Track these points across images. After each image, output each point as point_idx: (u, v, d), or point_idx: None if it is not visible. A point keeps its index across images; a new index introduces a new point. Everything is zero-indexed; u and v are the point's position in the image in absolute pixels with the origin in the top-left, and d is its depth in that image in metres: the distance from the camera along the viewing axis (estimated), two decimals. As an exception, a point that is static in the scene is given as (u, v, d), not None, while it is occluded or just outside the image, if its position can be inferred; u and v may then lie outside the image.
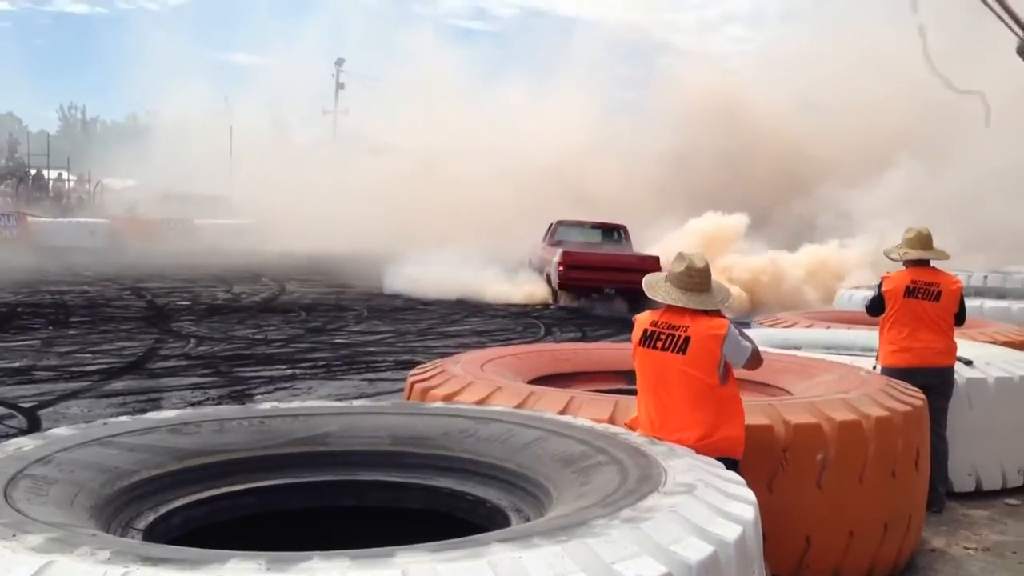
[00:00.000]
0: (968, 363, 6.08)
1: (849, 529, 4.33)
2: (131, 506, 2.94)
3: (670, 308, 3.94)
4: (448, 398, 4.50)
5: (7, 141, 54.03)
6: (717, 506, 2.65)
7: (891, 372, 5.62)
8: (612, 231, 21.10)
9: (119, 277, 21.33)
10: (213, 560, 2.16)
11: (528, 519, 2.95)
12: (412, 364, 7.96)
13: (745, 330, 4.39)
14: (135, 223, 37.37)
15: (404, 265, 20.41)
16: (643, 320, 4.02)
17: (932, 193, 19.99)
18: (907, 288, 5.86)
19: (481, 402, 4.34)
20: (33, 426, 7.22)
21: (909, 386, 5.02)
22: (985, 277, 12.75)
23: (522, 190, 28.16)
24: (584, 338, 13.78)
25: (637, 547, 2.31)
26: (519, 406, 4.19)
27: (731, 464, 3.54)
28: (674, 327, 3.88)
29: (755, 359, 3.95)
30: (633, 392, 4.15)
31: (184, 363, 10.35)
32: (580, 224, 21.26)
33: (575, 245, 19.65)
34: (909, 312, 5.83)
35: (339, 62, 57.45)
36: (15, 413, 7.65)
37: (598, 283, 18.15)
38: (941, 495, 5.64)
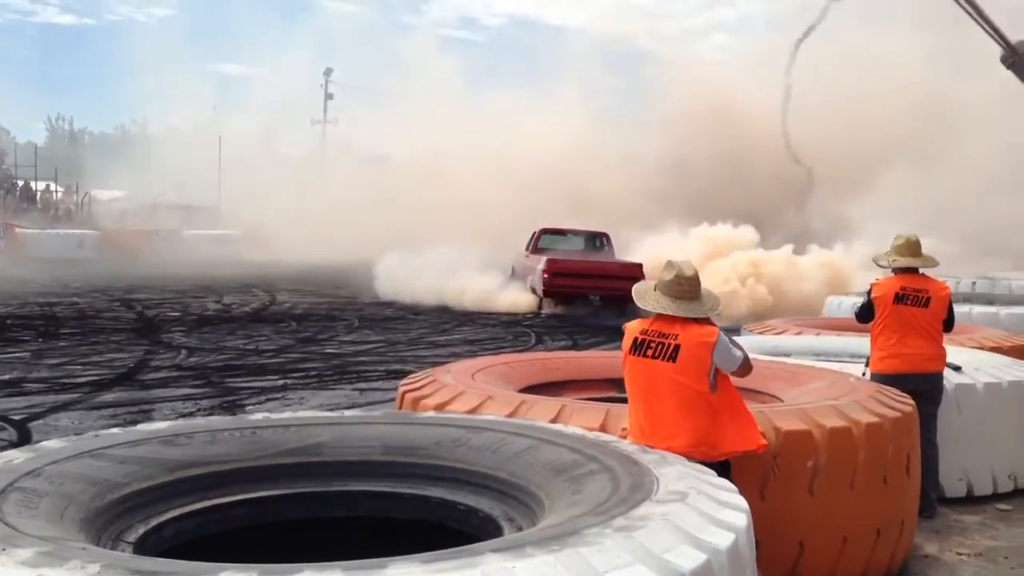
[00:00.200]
0: (957, 369, 6.10)
1: (842, 535, 4.34)
2: (122, 519, 2.92)
3: (660, 316, 3.95)
4: (439, 407, 4.49)
5: (-6, 153, 53.90)
6: (709, 514, 2.66)
7: (881, 378, 5.64)
8: (595, 239, 21.45)
9: (108, 288, 21.26)
10: (205, 572, 2.15)
11: (520, 528, 2.95)
12: (403, 374, 7.95)
13: (735, 337, 4.40)
14: (124, 234, 37.29)
15: (393, 271, 20.53)
16: (633, 328, 4.03)
17: (932, 196, 20.07)
18: (896, 295, 5.89)
19: (473, 411, 4.34)
20: (23, 439, 7.18)
21: (899, 392, 5.04)
22: (973, 283, 12.82)
23: (515, 198, 28.22)
24: (575, 346, 13.80)
25: (630, 556, 2.31)
26: (511, 415, 4.19)
27: (723, 469, 3.55)
28: (664, 335, 3.89)
29: (745, 366, 3.96)
30: (624, 400, 4.16)
31: (175, 374, 10.32)
32: (563, 232, 21.66)
33: (559, 253, 19.99)
34: (898, 318, 5.86)
35: (327, 72, 57.54)
36: (5, 426, 7.61)
37: (582, 290, 18.47)
38: (933, 501, 5.66)
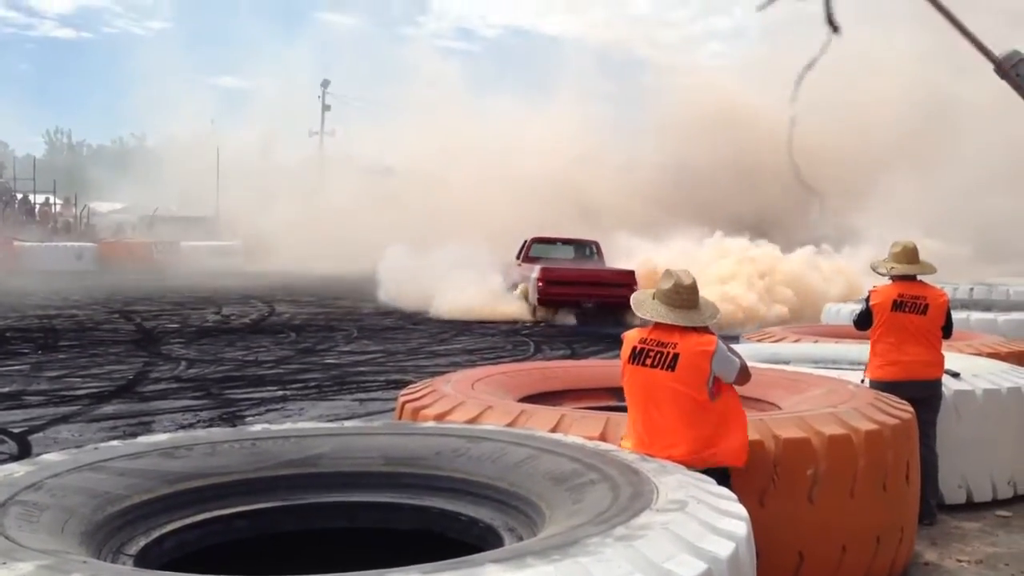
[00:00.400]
0: (955, 375, 6.11)
1: (842, 543, 4.34)
2: (122, 531, 2.92)
3: (659, 325, 3.95)
4: (439, 417, 4.49)
5: (-7, 166, 53.85)
6: (709, 523, 2.66)
7: (879, 385, 5.65)
8: (585, 247, 21.83)
9: (107, 300, 21.25)
10: (206, 584, 2.15)
11: (521, 538, 2.95)
12: (403, 384, 7.94)
13: (734, 345, 4.41)
14: (122, 246, 37.30)
15: (394, 273, 20.64)
16: (632, 337, 4.04)
17: (939, 198, 20.07)
18: (894, 302, 5.90)
19: (472, 421, 4.34)
20: (23, 452, 7.17)
21: (897, 399, 5.04)
22: (971, 289, 12.85)
23: (515, 206, 28.26)
24: (574, 355, 13.79)
25: (630, 565, 2.32)
26: (510, 424, 4.19)
27: (723, 477, 3.56)
28: (663, 344, 3.90)
29: (744, 374, 3.97)
30: (624, 409, 4.16)
31: (174, 386, 10.31)
32: (554, 241, 22.00)
33: (552, 261, 20.28)
34: (896, 326, 5.87)
35: (325, 84, 57.57)
36: (5, 439, 7.60)
37: (577, 297, 18.66)
38: (932, 507, 5.66)
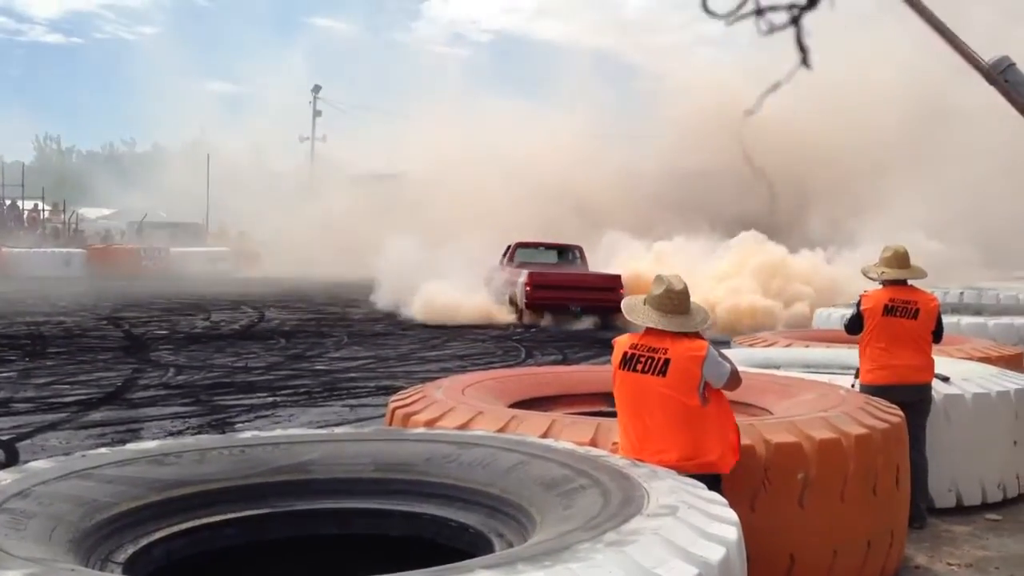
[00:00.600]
0: (945, 380, 6.13)
1: (832, 547, 4.34)
2: (111, 539, 2.90)
3: (650, 330, 3.95)
4: (430, 423, 4.49)
5: (-19, 172, 53.58)
6: (700, 528, 2.66)
7: (870, 390, 5.66)
8: (568, 251, 22.06)
9: (96, 307, 21.17)
10: (195, 592, 2.14)
11: (511, 544, 2.94)
12: (393, 389, 7.94)
13: (724, 350, 4.41)
14: (111, 252, 37.19)
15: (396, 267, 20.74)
16: (623, 343, 4.04)
17: (942, 199, 20.12)
18: (885, 307, 5.92)
19: (463, 427, 4.33)
20: (11, 459, 7.14)
21: (887, 403, 5.05)
22: (961, 294, 12.90)
23: (509, 209, 28.29)
24: (565, 361, 13.79)
25: (621, 571, 2.31)
26: (501, 430, 4.18)
27: (714, 482, 3.55)
28: (654, 349, 3.89)
29: (734, 380, 3.97)
30: (615, 414, 4.16)
31: (163, 393, 10.27)
32: (537, 245, 22.26)
33: (539, 266, 20.43)
34: (887, 330, 5.89)
35: (315, 89, 57.57)
36: (-8, 446, 7.57)
37: (563, 301, 18.85)
38: (923, 511, 5.67)
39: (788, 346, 8.44)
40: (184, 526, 3.12)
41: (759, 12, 1.42)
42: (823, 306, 12.95)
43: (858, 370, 6.06)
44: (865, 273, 6.25)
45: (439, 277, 19.71)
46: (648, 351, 3.91)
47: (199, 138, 62.11)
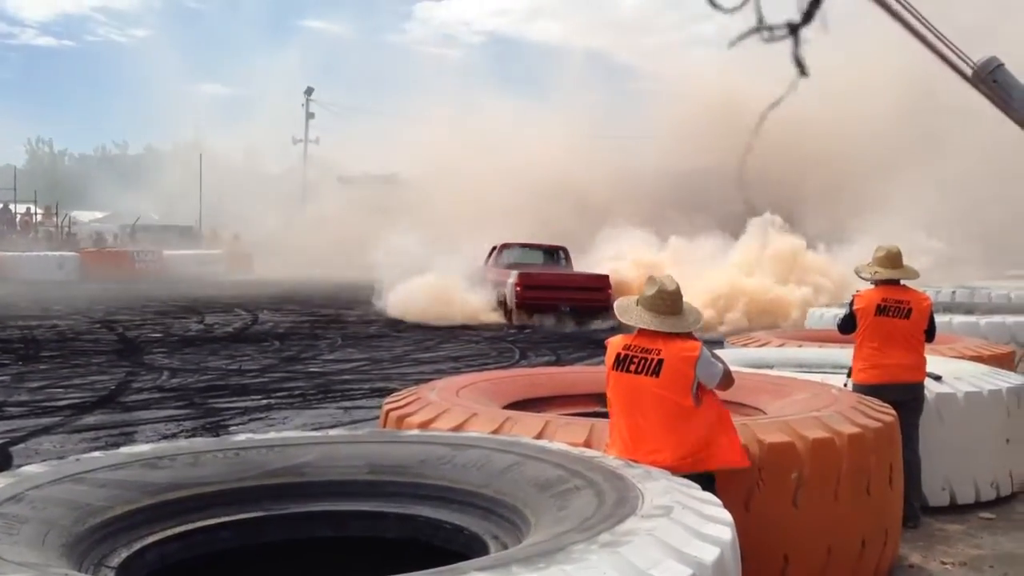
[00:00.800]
0: (937, 378, 6.14)
1: (827, 546, 4.35)
2: (104, 543, 2.90)
3: (643, 331, 3.96)
4: (424, 425, 4.48)
5: (-27, 175, 53.42)
6: (694, 528, 2.66)
7: (862, 389, 5.68)
8: (554, 252, 22.35)
9: (89, 310, 21.12)
10: (189, 596, 2.14)
11: (506, 546, 2.94)
12: (387, 391, 7.93)
13: (717, 350, 4.42)
14: (104, 255, 37.09)
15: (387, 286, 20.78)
16: (616, 344, 4.04)
17: (944, 196, 20.16)
18: (878, 306, 5.93)
19: (457, 428, 4.33)
20: (4, 463, 7.11)
21: (880, 403, 5.06)
22: (953, 293, 12.94)
23: (505, 209, 28.29)
24: (558, 362, 13.80)
25: (616, 572, 2.32)
26: (495, 432, 4.19)
27: (708, 483, 3.56)
28: (647, 350, 3.90)
29: (727, 380, 3.97)
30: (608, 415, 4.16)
31: (157, 396, 10.25)
32: (523, 246, 22.50)
33: (528, 266, 20.68)
34: (880, 330, 5.90)
35: (308, 91, 57.49)
36: (-15, 451, 7.55)
37: (554, 301, 19.07)
38: (916, 510, 5.69)
39: (781, 346, 8.45)
40: (178, 530, 3.12)
41: (759, 29, 1.43)
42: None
43: (851, 369, 6.08)
44: (858, 273, 6.26)
45: (429, 277, 19.82)
46: (641, 352, 3.91)
47: (192, 141, 62.00)
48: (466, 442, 3.67)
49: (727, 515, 2.86)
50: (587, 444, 4.00)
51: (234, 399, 10.11)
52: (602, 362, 4.21)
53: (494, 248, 21.97)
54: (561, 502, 2.99)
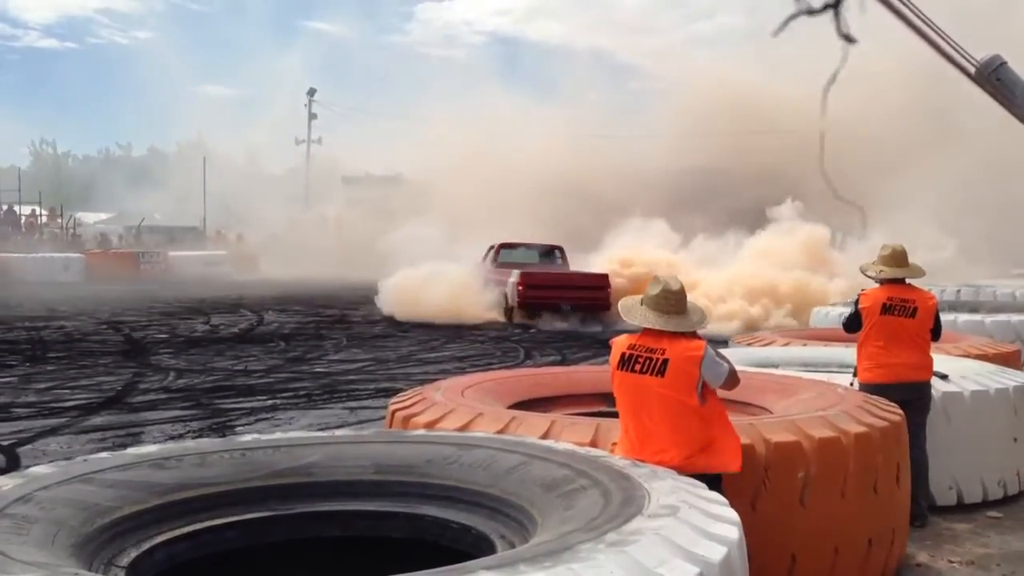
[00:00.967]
0: (944, 377, 6.13)
1: (834, 545, 4.34)
2: (113, 543, 2.91)
3: (647, 331, 3.96)
4: (430, 425, 4.49)
5: (-22, 177, 53.56)
6: (701, 527, 2.66)
7: (869, 388, 5.67)
8: (551, 251, 22.54)
9: (95, 311, 21.16)
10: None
11: (513, 545, 2.95)
12: (393, 392, 7.94)
13: (722, 349, 4.42)
14: (109, 257, 37.20)
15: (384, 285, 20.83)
16: (621, 343, 4.04)
17: (947, 194, 20.14)
18: (884, 305, 5.92)
19: (463, 428, 4.33)
20: (12, 464, 7.14)
21: (887, 402, 5.06)
22: (958, 291, 12.91)
23: (506, 209, 28.30)
24: (563, 361, 13.80)
25: (623, 571, 2.32)
26: (501, 431, 4.19)
27: (714, 482, 3.56)
28: (652, 350, 3.90)
29: (732, 379, 3.97)
30: (615, 415, 4.16)
31: (164, 396, 10.27)
32: (521, 246, 22.69)
33: (527, 266, 20.79)
34: (886, 328, 5.89)
35: (311, 92, 57.53)
36: (-8, 452, 7.57)
37: (555, 300, 19.15)
38: (924, 509, 5.68)
39: (786, 345, 8.44)
40: (186, 529, 3.12)
41: (797, 14, 1.47)
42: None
43: (856, 368, 6.07)
44: (863, 271, 6.25)
45: (430, 277, 19.87)
46: (646, 352, 3.91)
47: (195, 142, 62.10)
48: (472, 442, 3.67)
49: (734, 514, 2.86)
50: (593, 444, 3.99)
51: (240, 400, 10.13)
52: (607, 361, 4.21)
53: (491, 248, 22.08)
54: (567, 502, 2.99)
